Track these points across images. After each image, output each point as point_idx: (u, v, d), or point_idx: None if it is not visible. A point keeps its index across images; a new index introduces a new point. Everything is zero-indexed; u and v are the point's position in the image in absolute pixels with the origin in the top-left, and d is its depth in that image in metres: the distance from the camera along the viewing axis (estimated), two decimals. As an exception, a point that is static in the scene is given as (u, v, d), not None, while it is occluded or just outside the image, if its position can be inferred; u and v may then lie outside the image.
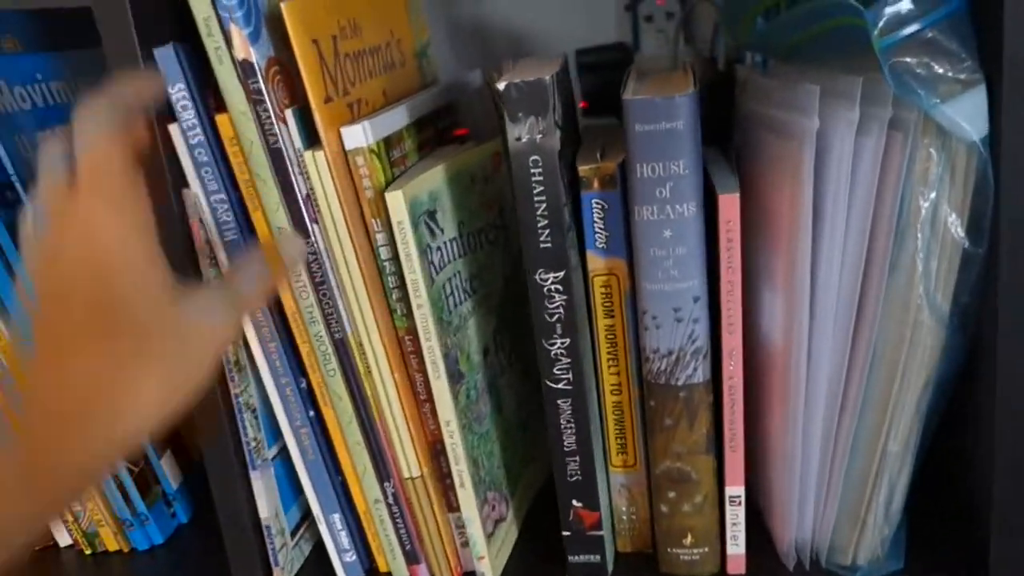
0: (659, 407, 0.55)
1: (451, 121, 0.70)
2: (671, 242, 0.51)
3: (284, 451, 0.63)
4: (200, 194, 0.54)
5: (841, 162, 0.49)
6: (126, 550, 0.69)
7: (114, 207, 0.41)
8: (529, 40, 0.90)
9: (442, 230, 0.57)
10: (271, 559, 0.61)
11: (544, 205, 0.51)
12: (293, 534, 0.64)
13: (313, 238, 0.54)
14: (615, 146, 0.57)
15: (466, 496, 0.58)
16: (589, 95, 0.83)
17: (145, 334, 0.40)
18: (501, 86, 0.49)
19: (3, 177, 0.62)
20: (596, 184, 0.53)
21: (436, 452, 0.57)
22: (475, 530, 0.58)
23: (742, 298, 0.53)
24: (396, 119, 0.57)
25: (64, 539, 0.70)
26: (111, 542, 0.69)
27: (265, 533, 0.61)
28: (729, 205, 0.51)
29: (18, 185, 0.63)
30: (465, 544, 0.60)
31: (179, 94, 0.52)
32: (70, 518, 0.68)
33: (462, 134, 0.70)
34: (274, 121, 0.52)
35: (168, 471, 0.71)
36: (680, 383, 0.54)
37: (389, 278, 0.54)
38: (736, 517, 0.57)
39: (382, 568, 0.62)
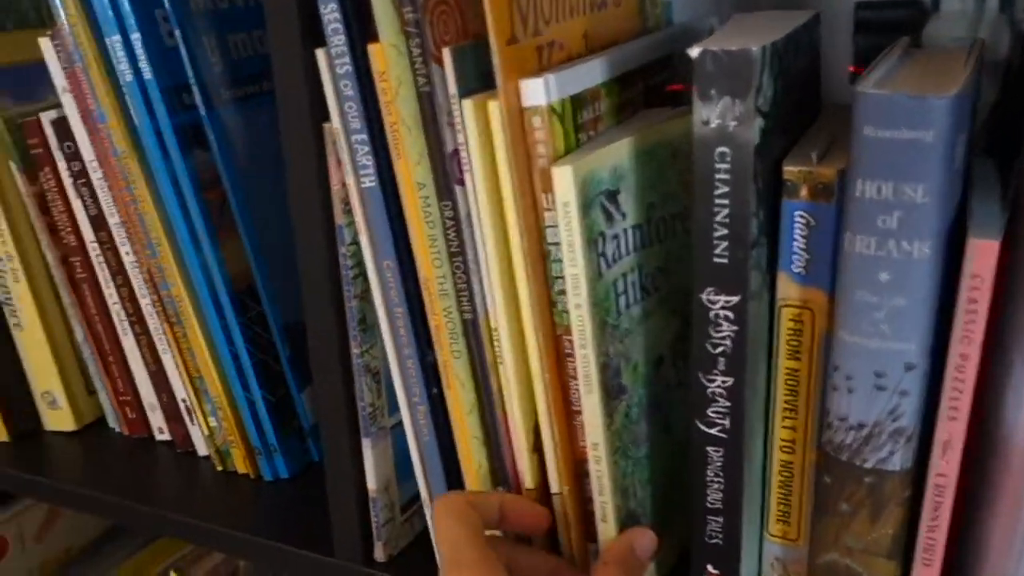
0: (835, 486, 0.43)
1: (668, 74, 0.58)
2: (888, 288, 0.38)
3: (409, 420, 0.57)
4: (340, 131, 0.47)
5: None
6: (254, 476, 0.67)
7: None
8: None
9: (623, 215, 0.47)
10: (374, 533, 0.56)
11: (726, 211, 0.40)
12: (407, 508, 0.58)
13: (454, 202, 0.46)
14: (838, 147, 0.44)
15: (607, 531, 0.49)
16: (862, 62, 0.68)
17: None
18: (694, 52, 0.38)
19: (181, 78, 0.59)
20: (805, 192, 0.41)
21: (582, 472, 0.49)
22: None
23: (977, 376, 0.39)
24: (592, 72, 0.47)
25: (203, 449, 0.70)
26: (241, 464, 0.67)
27: (371, 506, 0.56)
28: (982, 254, 0.37)
29: (196, 88, 0.59)
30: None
31: (331, 15, 0.45)
32: (208, 431, 0.67)
33: (677, 89, 0.58)
34: (426, 60, 0.44)
35: (309, 404, 0.67)
36: (868, 465, 0.41)
37: (554, 265, 0.45)
38: (912, 643, 0.44)
39: (488, 572, 0.55)
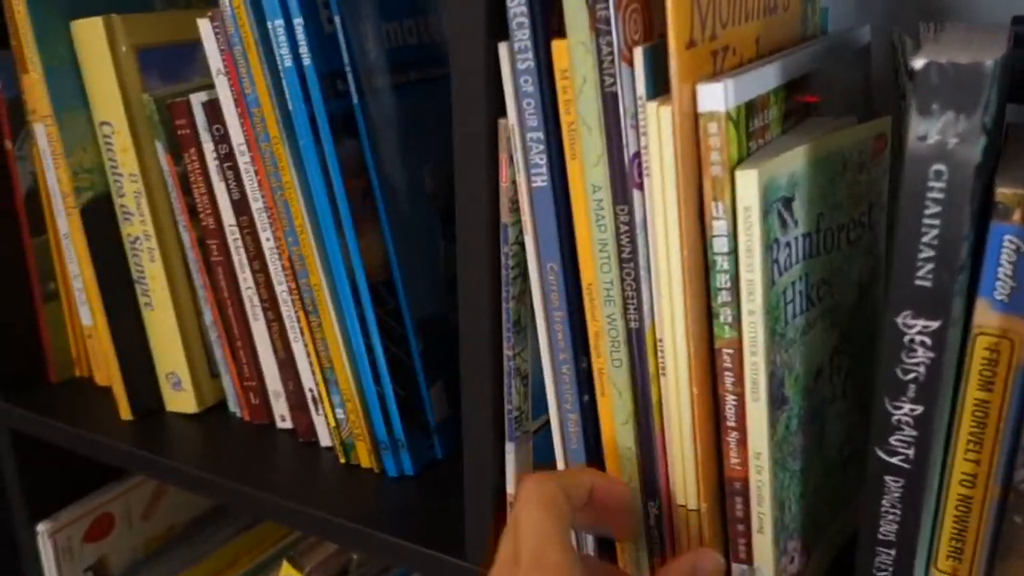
0: (1027, 528, 0.41)
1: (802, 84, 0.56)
2: (1114, 324, 0.36)
3: (549, 425, 0.56)
4: (516, 127, 0.47)
5: None
6: (377, 471, 0.67)
7: None
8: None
9: (796, 223, 0.46)
10: (509, 537, 0.55)
11: (935, 232, 0.38)
12: (539, 514, 0.57)
13: (631, 206, 0.45)
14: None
15: (763, 543, 0.47)
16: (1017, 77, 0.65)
17: None
18: (919, 64, 0.36)
19: (337, 65, 0.59)
20: (1018, 216, 0.39)
21: (732, 491, 0.47)
22: (763, 585, 0.48)
23: None
24: (766, 79, 0.46)
25: (326, 439, 0.69)
26: (365, 459, 0.67)
27: (508, 510, 0.55)
28: None
29: (350, 76, 0.59)
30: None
31: (517, 8, 0.44)
32: (333, 422, 0.67)
33: (811, 101, 0.56)
34: (616, 59, 0.43)
35: (435, 402, 0.67)
36: (1068, 508, 0.39)
37: (718, 276, 0.44)
38: None
39: (625, 585, 0.54)
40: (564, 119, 0.46)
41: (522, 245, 0.50)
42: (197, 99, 0.64)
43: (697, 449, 0.47)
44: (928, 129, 0.37)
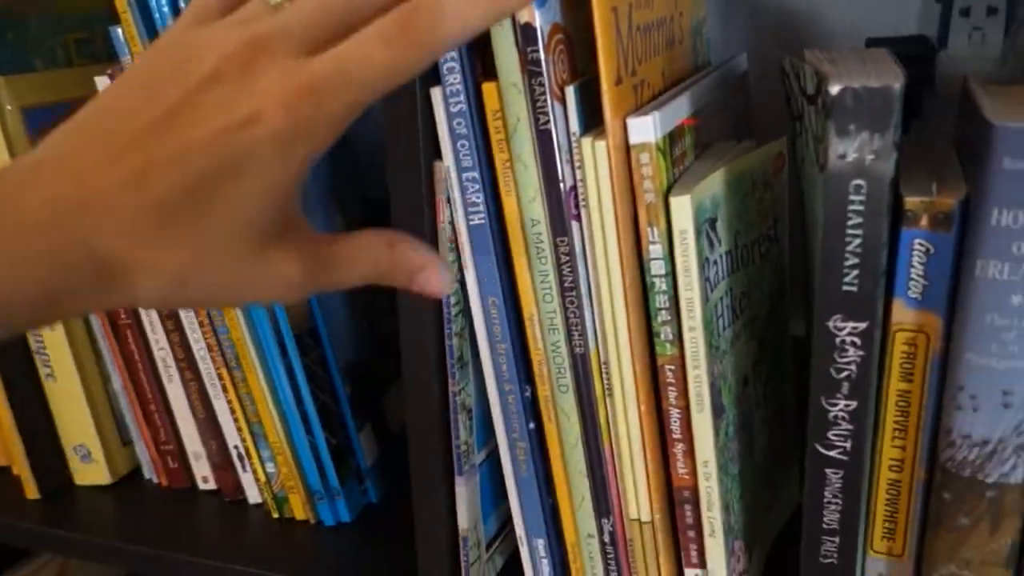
0: (955, 502, 0.45)
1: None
2: (1021, 311, 0.40)
3: (492, 455, 0.57)
4: (452, 168, 0.48)
5: None
6: (313, 521, 0.66)
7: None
8: (810, 24, 0.78)
9: (719, 241, 0.49)
10: (463, 572, 0.56)
11: (858, 241, 0.42)
12: (489, 546, 0.58)
13: (569, 237, 0.47)
14: (947, 175, 0.46)
15: (715, 546, 0.50)
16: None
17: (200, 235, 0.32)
18: (834, 89, 0.40)
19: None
20: (925, 221, 0.43)
21: (680, 499, 0.50)
22: (716, 589, 0.50)
23: (1095, 391, 0.41)
24: (681, 109, 0.49)
25: (255, 496, 0.68)
26: (299, 511, 0.66)
27: (461, 544, 0.55)
28: (1109, 276, 0.39)
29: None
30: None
31: (449, 54, 0.46)
32: (263, 478, 0.65)
33: (690, 123, 0.60)
34: (548, 98, 0.45)
35: (365, 446, 0.67)
36: (991, 480, 0.43)
37: (657, 297, 0.46)
38: (1028, 649, 0.46)
39: (581, 606, 0.56)
40: (498, 157, 0.47)
41: (462, 283, 0.51)
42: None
43: (647, 463, 0.49)
44: (846, 148, 0.40)
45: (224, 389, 0.64)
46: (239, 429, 0.65)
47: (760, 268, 0.56)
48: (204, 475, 0.70)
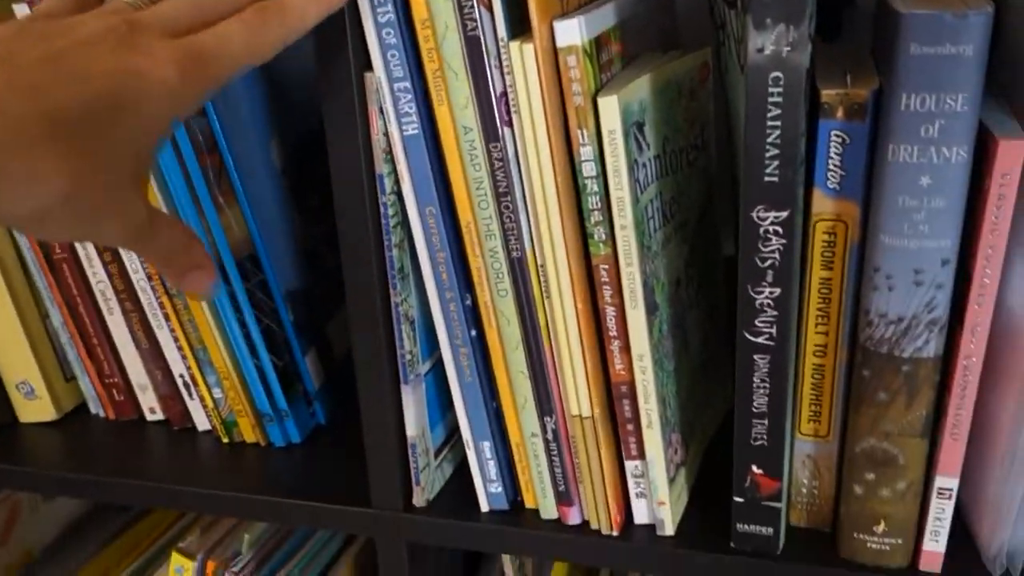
0: (874, 378, 0.47)
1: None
2: (928, 191, 0.43)
3: (437, 365, 0.59)
4: (383, 79, 0.48)
5: None
6: (263, 443, 0.67)
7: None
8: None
9: (648, 145, 0.51)
10: (413, 477, 0.58)
11: (778, 132, 0.44)
12: (437, 453, 0.60)
13: (502, 143, 0.48)
14: (860, 70, 0.48)
15: (652, 437, 0.52)
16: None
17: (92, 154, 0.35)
18: (750, -16, 0.41)
19: (172, 41, 0.58)
20: (840, 113, 0.45)
21: (619, 394, 0.52)
22: (658, 473, 0.53)
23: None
24: (607, 16, 0.50)
25: (203, 423, 0.69)
26: (249, 433, 0.67)
27: (410, 451, 0.57)
28: (1010, 153, 0.42)
29: (187, 51, 0.58)
30: (640, 495, 0.54)
31: (372, -37, 0.46)
32: (211, 403, 0.66)
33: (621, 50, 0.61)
34: (475, 4, 0.45)
35: (311, 369, 0.68)
36: (906, 355, 0.46)
37: (589, 198, 0.48)
38: (943, 511, 0.49)
39: (528, 503, 0.58)
40: (428, 67, 0.48)
41: (399, 194, 0.51)
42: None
43: (585, 360, 0.51)
44: (764, 41, 0.42)
45: (167, 317, 0.64)
46: (184, 356, 0.65)
47: (688, 176, 0.58)
48: (151, 406, 0.70)
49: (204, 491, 0.62)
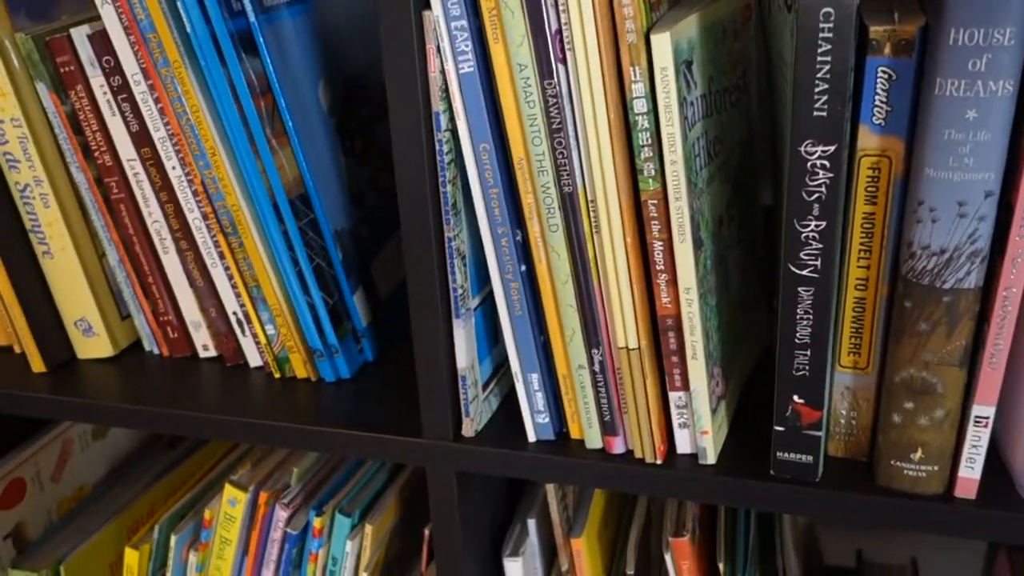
0: (916, 309, 0.49)
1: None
2: (974, 125, 0.44)
3: (487, 300, 0.61)
4: (440, 17, 0.50)
5: None
6: (314, 379, 0.69)
7: None
8: None
9: (695, 84, 0.52)
10: (463, 409, 0.60)
11: (827, 68, 0.45)
12: (485, 386, 0.62)
13: (556, 80, 0.50)
14: (906, 8, 0.49)
15: (696, 368, 0.54)
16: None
17: None
18: (805, -80, 0.42)
19: (228, -16, 0.59)
20: (888, 49, 0.46)
21: (665, 327, 0.54)
22: (701, 403, 0.55)
23: (1040, 199, 0.46)
24: (656, -45, 0.51)
25: (255, 359, 0.71)
26: (300, 369, 0.69)
27: (460, 383, 0.59)
28: (1055, 88, 0.43)
29: (242, -6, 0.60)
30: (683, 425, 0.57)
31: (432, -97, 0.47)
32: (264, 340, 0.69)
33: None
34: (532, -58, 0.47)
35: (360, 307, 0.70)
36: (947, 286, 0.48)
37: (640, 135, 0.49)
38: (979, 439, 0.51)
39: (574, 434, 0.60)
40: (484, 5, 0.49)
41: (454, 131, 0.53)
42: (80, 33, 0.63)
43: (633, 294, 0.53)
44: (816, -23, 0.43)
45: (222, 256, 0.66)
46: (238, 294, 0.67)
47: (731, 116, 0.60)
48: (204, 343, 0.73)
49: (257, 422, 0.65)
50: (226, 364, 0.72)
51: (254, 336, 0.69)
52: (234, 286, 0.67)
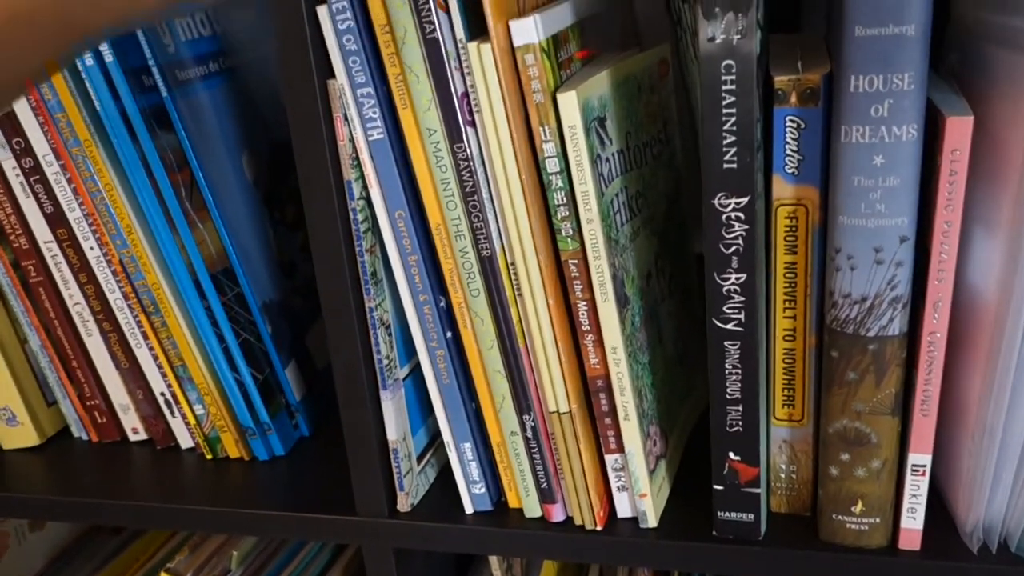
0: (842, 359, 0.48)
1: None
2: (882, 171, 0.43)
3: (416, 370, 0.59)
4: (346, 86, 0.49)
5: (1106, 85, 0.40)
6: (247, 458, 0.67)
7: None
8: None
9: (610, 140, 0.51)
10: (396, 483, 0.58)
11: (733, 119, 0.44)
12: (420, 458, 0.60)
13: (466, 143, 0.49)
14: (813, 57, 0.49)
15: (630, 429, 0.53)
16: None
17: None
18: (698, -25, 0.42)
19: (139, 60, 0.58)
20: (794, 99, 0.46)
21: (595, 388, 0.52)
22: (638, 465, 0.53)
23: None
24: (564, 15, 0.51)
25: (186, 441, 0.69)
26: (233, 449, 0.67)
27: (392, 456, 0.57)
28: (958, 130, 0.43)
29: (155, 69, 0.59)
30: (622, 488, 0.55)
31: (330, -28, 0.47)
32: (193, 420, 0.66)
33: (581, 56, 0.61)
34: (432, 7, 0.46)
35: (292, 381, 0.68)
36: (871, 334, 0.47)
37: (555, 194, 0.48)
38: (918, 488, 0.50)
39: (512, 503, 0.58)
40: (390, 71, 0.49)
41: (368, 199, 0.52)
42: (-12, 115, 0.62)
43: (560, 356, 0.52)
44: (715, 31, 0.43)
45: (145, 336, 0.65)
46: (164, 375, 0.65)
47: (654, 170, 0.59)
48: (134, 426, 0.70)
49: (190, 508, 0.62)
50: (157, 447, 0.70)
51: (183, 417, 0.67)
52: (160, 367, 0.65)
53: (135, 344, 0.66)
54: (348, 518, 0.59)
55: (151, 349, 0.65)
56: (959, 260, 0.47)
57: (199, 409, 0.66)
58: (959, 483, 0.52)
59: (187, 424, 0.67)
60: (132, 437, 0.71)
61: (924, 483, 0.50)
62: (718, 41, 0.43)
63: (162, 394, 0.67)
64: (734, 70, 0.43)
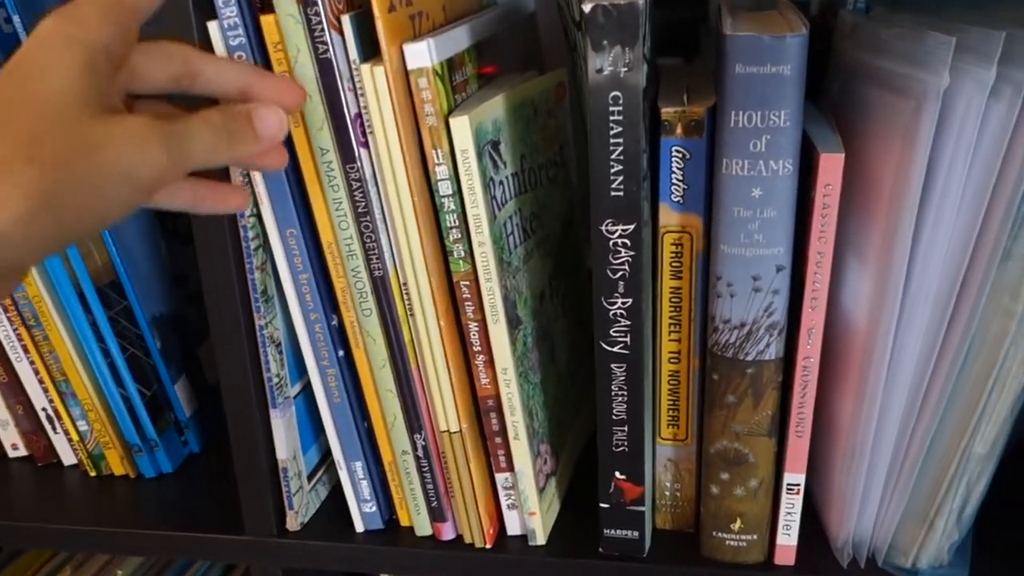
0: (722, 382, 0.50)
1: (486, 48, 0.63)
2: (760, 203, 0.45)
3: (307, 389, 0.59)
4: (237, 104, 0.48)
5: (964, 128, 0.43)
6: (133, 475, 0.65)
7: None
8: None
9: (504, 163, 0.52)
10: (285, 502, 0.57)
11: (620, 149, 0.46)
12: (311, 477, 0.60)
13: (359, 164, 0.49)
14: (700, 89, 0.51)
15: (520, 448, 0.53)
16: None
17: (32, 135, 0.33)
18: (587, 7, 0.43)
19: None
20: (679, 130, 0.47)
21: (485, 408, 0.53)
22: (527, 484, 0.54)
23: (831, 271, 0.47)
24: (460, 39, 0.52)
25: (69, 458, 0.67)
26: (118, 466, 0.65)
27: (281, 475, 0.57)
28: (831, 166, 0.45)
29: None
30: (511, 506, 0.55)
31: (222, -12, 0.46)
32: (76, 437, 0.64)
33: (489, 71, 0.62)
34: (325, 28, 0.46)
35: (182, 397, 0.67)
36: (749, 358, 0.49)
37: (447, 216, 0.49)
38: (792, 506, 0.52)
39: (403, 522, 0.58)
40: (283, 90, 0.48)
41: (259, 216, 0.52)
42: None
43: (451, 376, 0.52)
44: (602, 63, 0.44)
45: (26, 349, 0.62)
46: (46, 389, 0.63)
47: (549, 191, 0.60)
48: (13, 442, 0.68)
49: (71, 528, 0.61)
50: (37, 464, 0.68)
51: (66, 433, 0.65)
52: (40, 381, 0.63)
53: (15, 358, 0.63)
54: (236, 537, 0.58)
55: (32, 363, 0.63)
56: (832, 288, 0.49)
57: (82, 425, 0.64)
58: (831, 500, 0.54)
59: (70, 440, 0.65)
60: (12, 454, 0.68)
61: (798, 501, 0.52)
62: (606, 73, 0.44)
63: (43, 409, 0.65)
64: (621, 101, 0.45)
